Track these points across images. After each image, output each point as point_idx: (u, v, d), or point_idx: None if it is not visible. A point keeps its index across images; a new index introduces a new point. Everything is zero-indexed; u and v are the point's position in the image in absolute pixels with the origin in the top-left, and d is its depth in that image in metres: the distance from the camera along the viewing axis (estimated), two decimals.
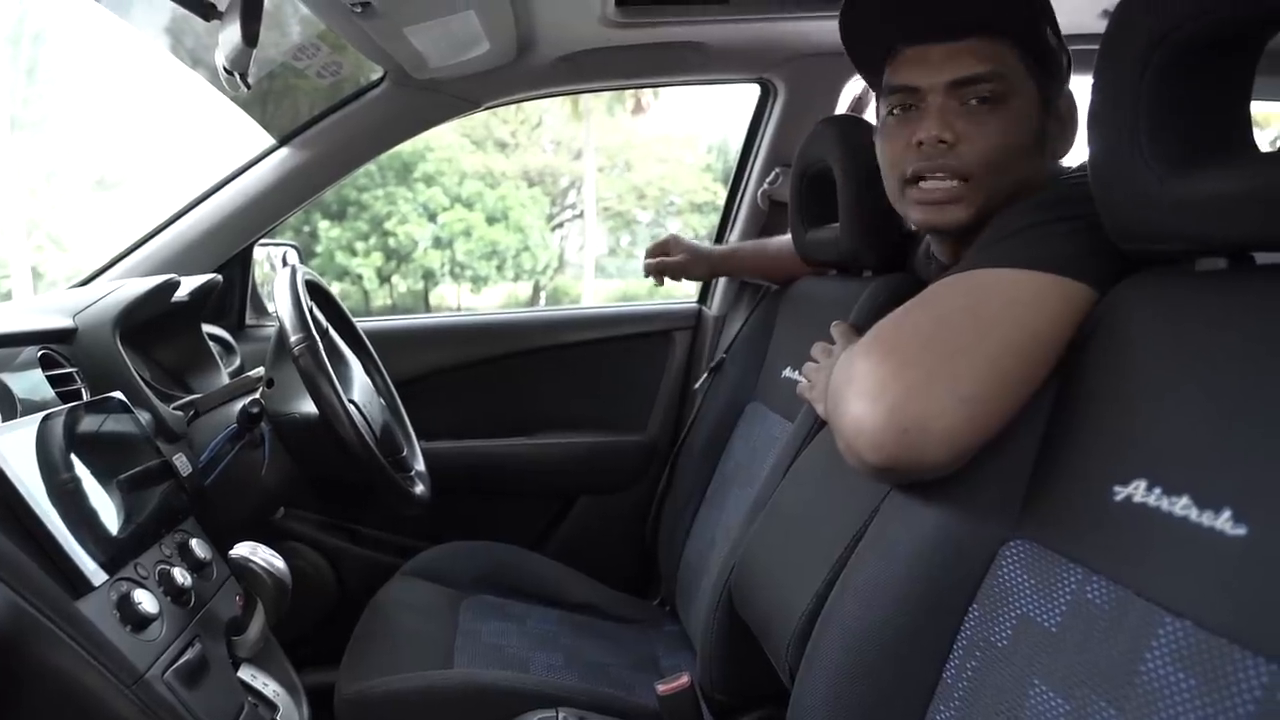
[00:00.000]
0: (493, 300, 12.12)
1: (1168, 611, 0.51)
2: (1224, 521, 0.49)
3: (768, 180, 1.71)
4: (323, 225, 11.01)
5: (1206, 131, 0.58)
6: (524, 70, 1.55)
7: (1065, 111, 0.86)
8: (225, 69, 0.97)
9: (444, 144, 11.13)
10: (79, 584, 0.75)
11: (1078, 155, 0.90)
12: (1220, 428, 0.52)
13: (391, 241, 11.34)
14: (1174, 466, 0.54)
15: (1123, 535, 0.56)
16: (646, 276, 1.58)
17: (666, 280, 1.57)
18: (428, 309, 12.11)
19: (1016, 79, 0.81)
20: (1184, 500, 0.52)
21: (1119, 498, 0.57)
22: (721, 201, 1.89)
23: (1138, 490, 0.56)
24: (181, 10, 1.04)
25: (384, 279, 11.70)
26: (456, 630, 1.27)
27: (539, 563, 1.53)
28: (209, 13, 0.96)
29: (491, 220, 11.58)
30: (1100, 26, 1.33)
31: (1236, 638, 0.47)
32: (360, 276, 11.28)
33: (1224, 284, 0.57)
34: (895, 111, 0.87)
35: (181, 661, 0.81)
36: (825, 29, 1.43)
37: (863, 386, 0.69)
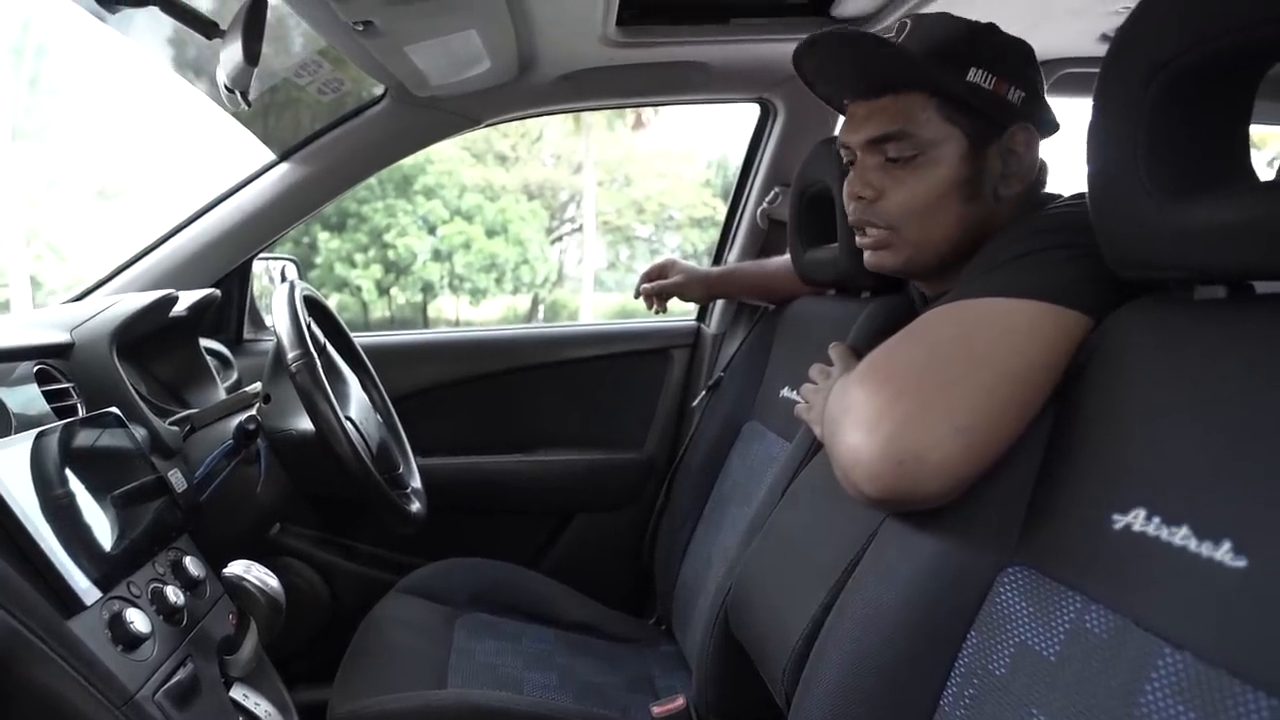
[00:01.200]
0: (491, 313, 12.11)
1: (1167, 643, 0.51)
2: (1224, 553, 0.49)
3: (767, 199, 1.72)
4: (322, 237, 11.01)
5: (1206, 159, 0.58)
6: (525, 88, 1.55)
7: (1020, 144, 0.85)
8: (227, 87, 0.97)
9: (444, 157, 11.15)
10: (70, 603, 0.75)
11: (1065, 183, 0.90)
12: (1220, 458, 0.52)
13: (391, 254, 11.34)
14: (1173, 496, 0.54)
15: (1122, 564, 0.55)
16: (636, 298, 1.59)
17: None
18: (426, 321, 12.10)
19: (932, 131, 0.83)
20: (1183, 530, 0.52)
21: (1118, 526, 0.56)
22: (720, 217, 1.90)
23: (1137, 519, 0.55)
24: (184, 27, 1.04)
25: (383, 291, 11.69)
26: (451, 649, 1.27)
27: (535, 580, 1.52)
28: (211, 31, 0.97)
29: (491, 233, 11.58)
30: (1099, 50, 1.34)
31: (1236, 671, 0.46)
32: (359, 288, 11.27)
33: (1223, 313, 0.57)
34: (847, 163, 0.92)
35: (173, 682, 0.80)
36: None
37: (859, 416, 0.69)
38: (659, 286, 1.55)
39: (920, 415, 0.66)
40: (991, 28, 0.85)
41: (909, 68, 0.82)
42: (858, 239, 0.92)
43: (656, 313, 1.61)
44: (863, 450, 0.68)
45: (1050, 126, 0.88)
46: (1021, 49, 0.86)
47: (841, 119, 1.63)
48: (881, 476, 0.67)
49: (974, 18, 1.28)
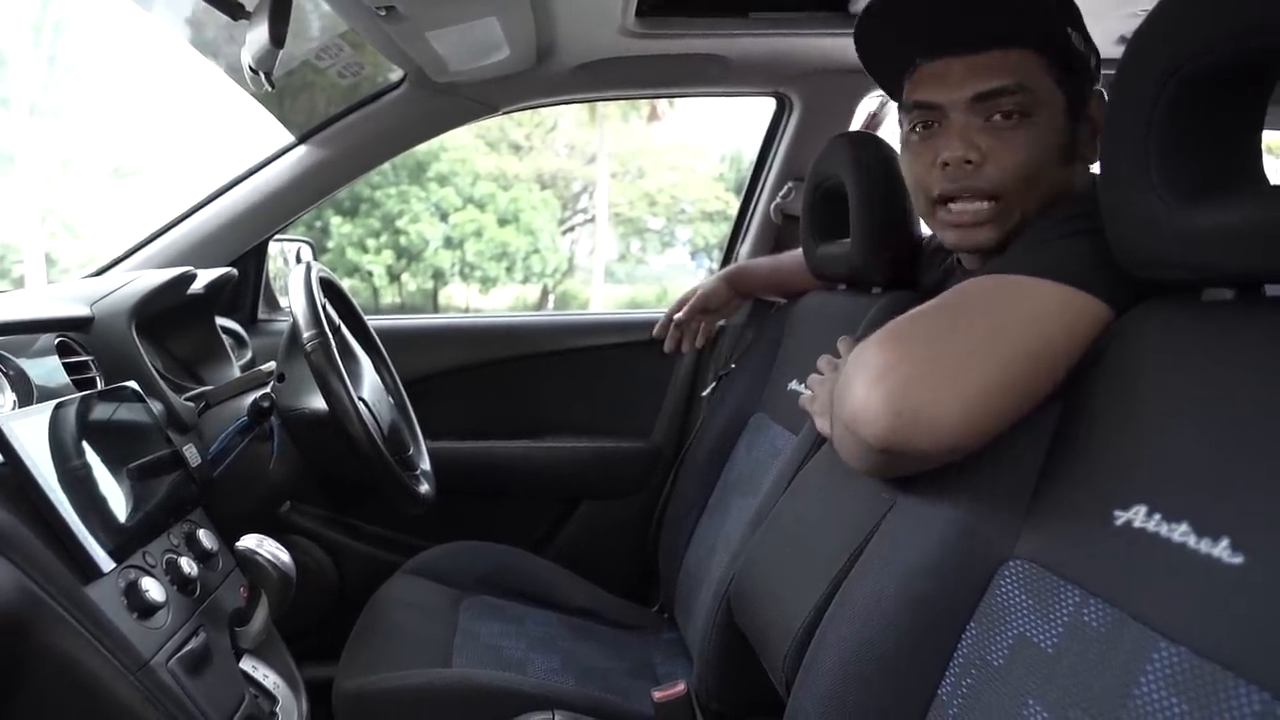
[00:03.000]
0: (501, 302, 12.13)
1: (1163, 636, 0.51)
2: (1222, 549, 0.50)
3: (780, 194, 1.72)
4: (335, 221, 11.04)
5: (1217, 162, 0.58)
6: (543, 77, 1.56)
7: (1096, 114, 0.83)
8: (251, 68, 0.98)
9: (458, 145, 11.16)
10: (89, 570, 0.76)
11: None
12: (1222, 457, 0.53)
13: (403, 240, 11.36)
14: (1174, 493, 0.54)
15: (1122, 560, 0.56)
16: (665, 348, 1.59)
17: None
18: (436, 308, 12.12)
19: (1042, 89, 0.79)
20: (1183, 527, 0.52)
21: (1119, 522, 0.57)
22: (732, 211, 1.90)
23: (1138, 515, 0.56)
24: (206, 5, 1.05)
25: (394, 277, 11.72)
26: (456, 630, 1.28)
27: (540, 565, 1.54)
28: (237, 12, 0.98)
29: (503, 222, 11.59)
30: (1116, 52, 1.34)
31: (1230, 665, 0.47)
32: (371, 273, 11.30)
33: (1231, 314, 0.58)
34: (917, 129, 0.85)
35: (185, 650, 0.82)
36: (842, 45, 1.43)
37: (868, 372, 0.68)
38: (688, 310, 1.55)
39: (928, 375, 0.66)
40: None
41: (1029, 19, 0.77)
42: (943, 215, 0.85)
43: (697, 347, 1.61)
44: (865, 399, 0.67)
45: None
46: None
47: (860, 115, 1.66)
48: (877, 424, 0.66)
49: None
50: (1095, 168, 0.85)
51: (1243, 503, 0.50)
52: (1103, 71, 1.45)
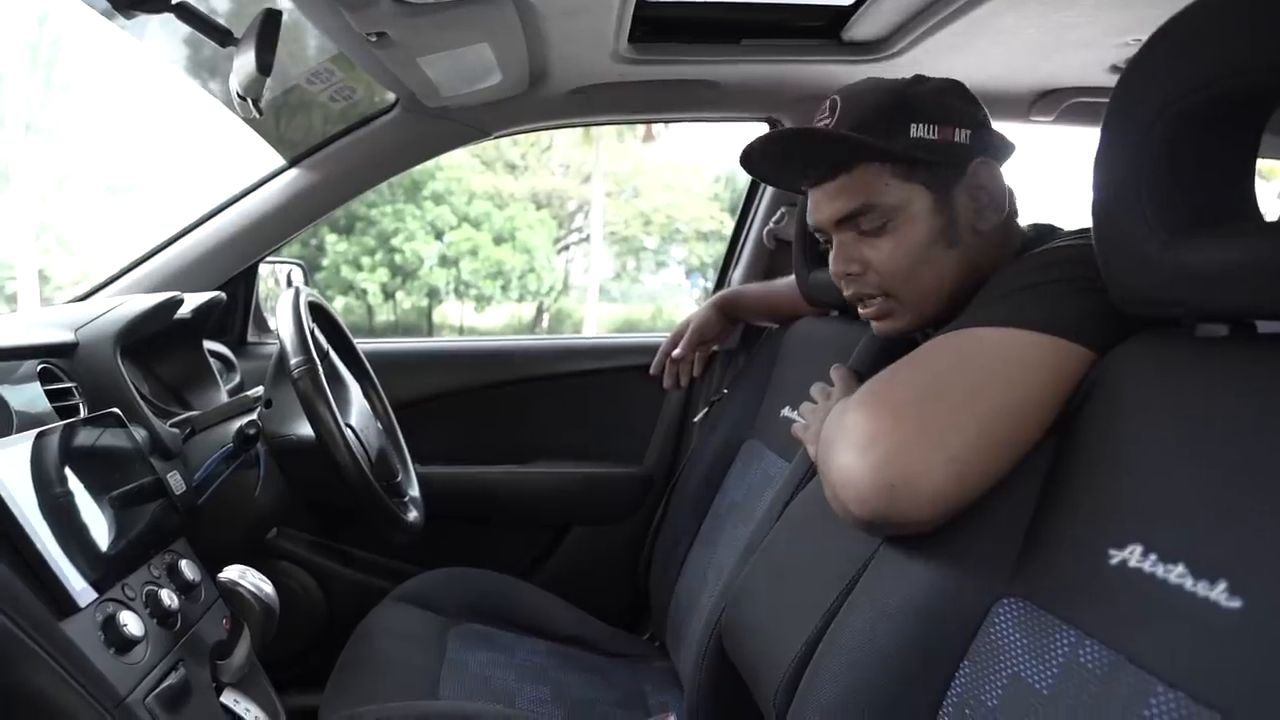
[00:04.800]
0: (496, 320, 12.15)
1: (1160, 681, 0.50)
2: (1219, 593, 0.49)
3: (773, 219, 1.72)
4: (330, 239, 11.08)
5: (1210, 197, 0.58)
6: (535, 101, 1.56)
7: (983, 182, 0.85)
8: (239, 94, 0.98)
9: (454, 163, 11.22)
10: (64, 604, 0.75)
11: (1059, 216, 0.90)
12: (1219, 496, 0.52)
13: (398, 258, 11.40)
14: (1170, 533, 0.54)
15: (1118, 600, 0.55)
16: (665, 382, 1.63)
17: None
18: (431, 326, 12.13)
19: (893, 196, 0.84)
20: (1179, 568, 0.52)
21: (1114, 561, 0.56)
22: (727, 231, 1.90)
23: (1133, 555, 0.55)
24: (196, 33, 1.05)
25: (389, 295, 11.75)
26: (444, 659, 1.26)
27: (529, 592, 1.52)
28: (225, 39, 0.97)
29: (498, 240, 11.65)
30: (1108, 80, 1.34)
31: (1229, 713, 0.46)
32: (365, 291, 11.33)
33: (1224, 351, 0.57)
34: (822, 248, 0.94)
35: (164, 686, 0.80)
36: (834, 72, 1.44)
37: (853, 439, 0.69)
38: (685, 346, 1.57)
39: (914, 441, 0.66)
40: (918, 79, 0.86)
41: (852, 147, 0.83)
42: (861, 312, 0.93)
43: (692, 377, 1.63)
44: (854, 471, 0.68)
45: (1007, 149, 0.88)
46: (954, 88, 0.87)
47: None
48: (870, 499, 0.67)
49: (983, 49, 1.29)
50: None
51: (1241, 543, 0.49)
52: (1094, 100, 1.47)
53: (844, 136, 0.82)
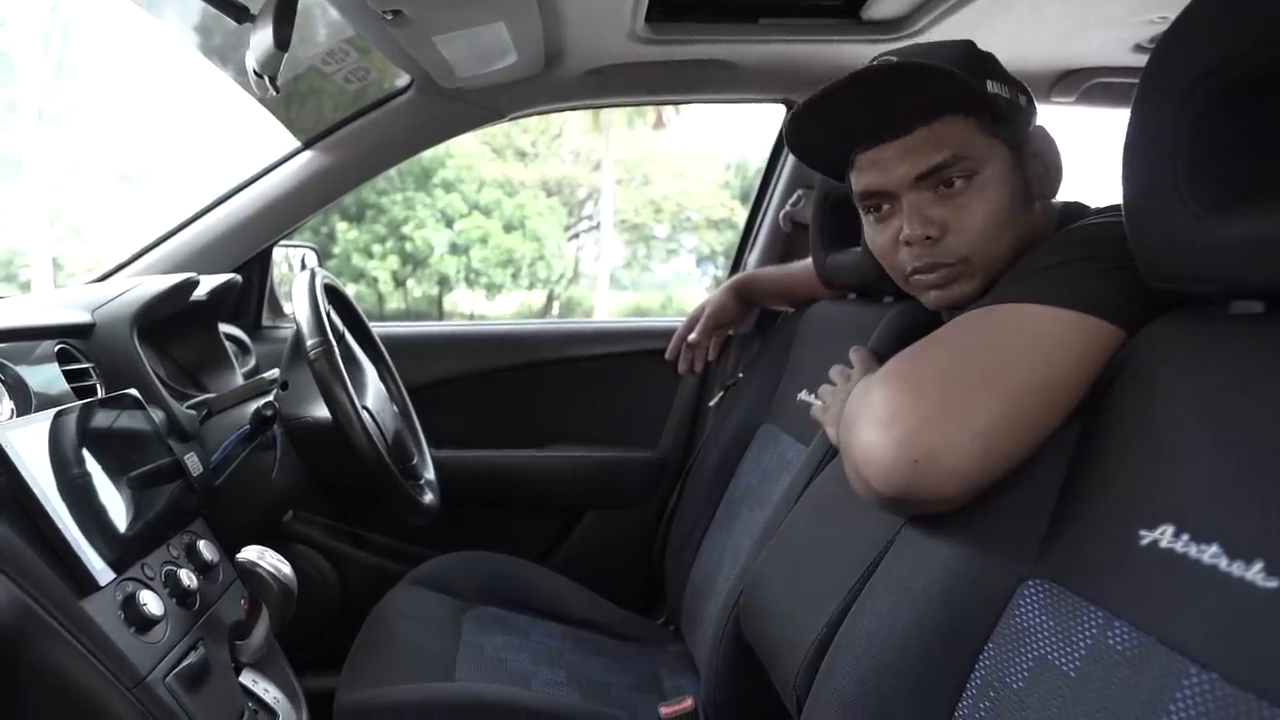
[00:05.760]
0: (506, 308, 12.16)
1: (1193, 662, 0.49)
2: (1256, 573, 0.48)
3: (790, 202, 1.71)
4: (341, 227, 11.09)
5: (1248, 170, 0.57)
6: (550, 82, 1.55)
7: (1041, 148, 0.84)
8: (256, 71, 0.97)
9: (464, 151, 11.21)
10: (85, 583, 0.75)
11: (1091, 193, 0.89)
12: (1254, 475, 0.51)
13: (408, 246, 11.41)
14: (1203, 513, 0.53)
15: (1148, 581, 0.54)
16: (680, 367, 1.62)
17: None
18: (441, 314, 12.15)
19: (979, 149, 0.79)
20: (1214, 549, 0.51)
21: (1145, 542, 0.55)
22: (738, 219, 1.90)
23: (1164, 535, 0.54)
24: (212, 10, 1.05)
25: (399, 283, 11.76)
26: (459, 642, 1.26)
27: (544, 576, 1.52)
28: (241, 15, 0.97)
29: (508, 228, 11.64)
30: (1132, 60, 1.32)
31: (1265, 694, 0.45)
32: (376, 279, 11.34)
33: (1260, 328, 0.56)
34: (873, 213, 0.86)
35: (184, 665, 0.80)
36: (852, 52, 1.42)
37: (876, 415, 0.68)
38: (701, 331, 1.56)
39: (939, 417, 0.65)
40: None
41: (953, 87, 0.77)
42: (918, 280, 0.85)
43: (708, 361, 1.62)
44: (877, 447, 0.67)
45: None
46: (998, 59, 0.84)
47: None
48: (893, 475, 0.66)
49: (1005, 28, 1.27)
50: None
51: (1277, 523, 0.48)
52: (1117, 80, 1.45)
53: (950, 72, 0.75)
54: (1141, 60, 1.39)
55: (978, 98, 0.78)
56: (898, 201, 0.83)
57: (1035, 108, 0.85)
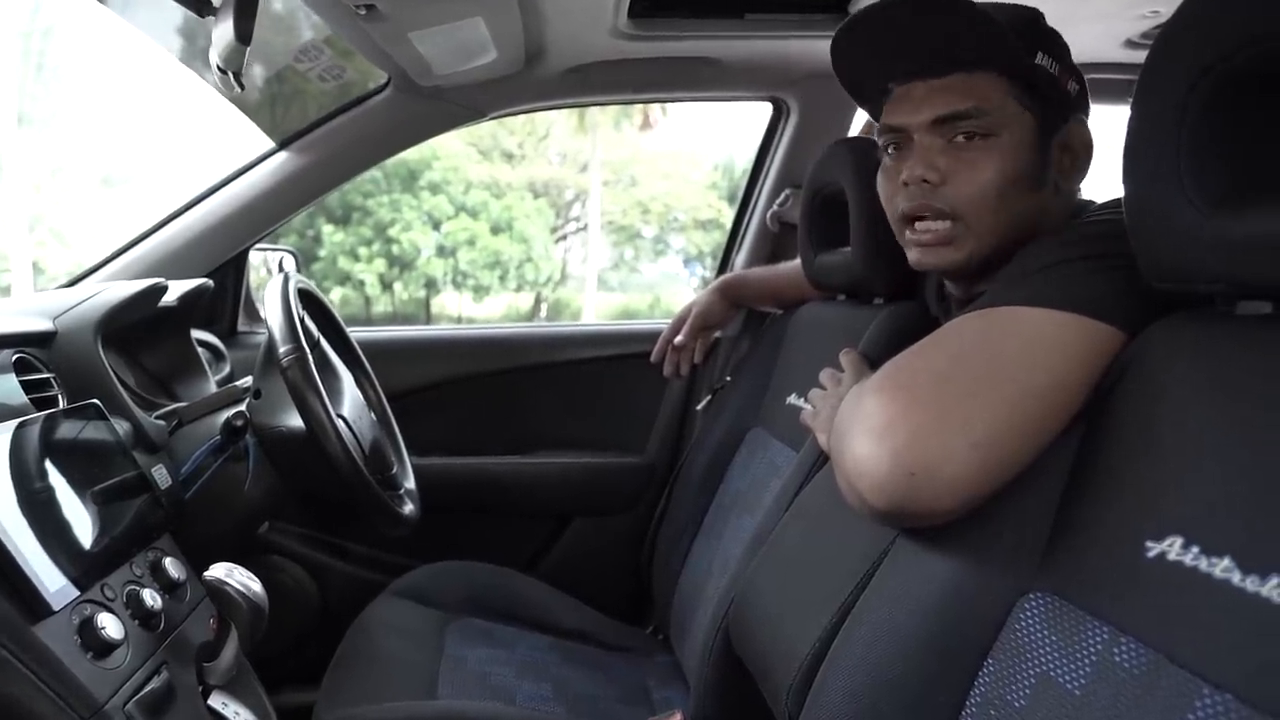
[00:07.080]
0: (494, 310, 12.13)
1: (1206, 682, 0.47)
2: (1272, 588, 0.45)
3: (777, 201, 1.69)
4: (326, 230, 11.03)
5: (1254, 167, 0.54)
6: (532, 80, 1.52)
7: (1076, 142, 0.82)
8: (219, 68, 0.94)
9: (450, 152, 11.17)
10: (38, 608, 0.71)
11: (1093, 189, 0.87)
12: (1266, 484, 0.48)
13: (395, 248, 11.35)
14: (1213, 525, 0.50)
15: (1156, 595, 0.52)
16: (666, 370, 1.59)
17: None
18: (429, 317, 12.11)
19: (1006, 112, 0.78)
20: (1225, 562, 0.48)
21: (1151, 554, 0.53)
22: (725, 220, 1.87)
23: (1173, 547, 0.52)
24: (183, 10, 1.01)
25: (386, 285, 11.71)
26: (442, 656, 1.23)
27: (530, 585, 1.49)
28: (203, 9, 0.93)
29: (495, 230, 11.60)
30: (1122, 56, 1.30)
31: None
32: (363, 282, 11.29)
33: (1268, 330, 0.54)
34: (889, 150, 0.86)
35: (146, 691, 0.77)
36: None
37: (869, 425, 0.65)
38: (688, 333, 1.53)
39: (935, 427, 0.63)
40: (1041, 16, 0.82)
41: (997, 40, 0.76)
42: (909, 235, 0.85)
43: (694, 364, 1.60)
44: (870, 460, 0.64)
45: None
46: (1066, 44, 0.82)
47: (859, 120, 1.62)
48: (887, 489, 0.63)
49: None
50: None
51: None
52: (1107, 76, 1.43)
53: (991, 20, 0.74)
54: (1132, 56, 1.37)
55: (1016, 59, 0.77)
56: (911, 144, 0.83)
57: (1088, 102, 0.83)
